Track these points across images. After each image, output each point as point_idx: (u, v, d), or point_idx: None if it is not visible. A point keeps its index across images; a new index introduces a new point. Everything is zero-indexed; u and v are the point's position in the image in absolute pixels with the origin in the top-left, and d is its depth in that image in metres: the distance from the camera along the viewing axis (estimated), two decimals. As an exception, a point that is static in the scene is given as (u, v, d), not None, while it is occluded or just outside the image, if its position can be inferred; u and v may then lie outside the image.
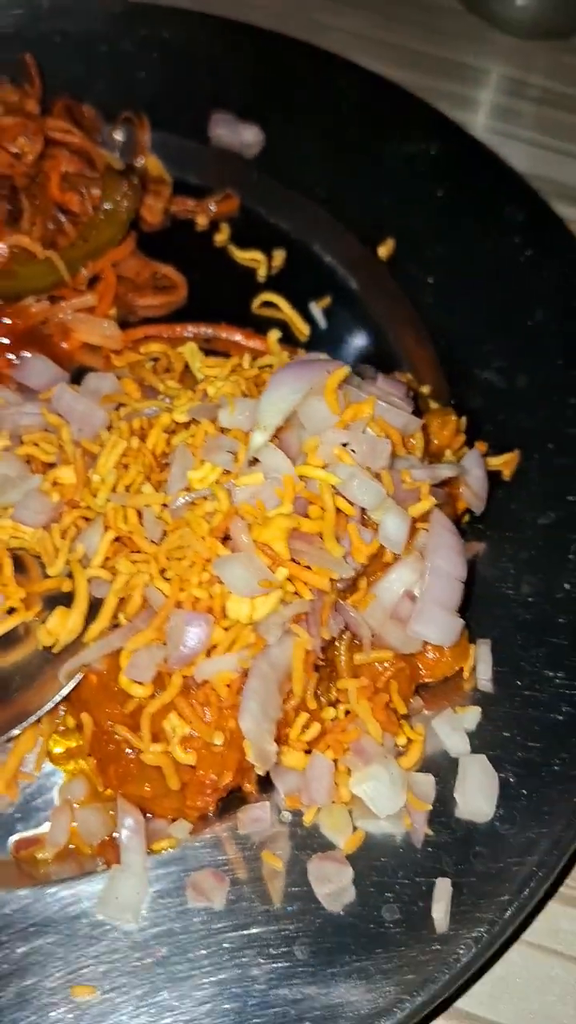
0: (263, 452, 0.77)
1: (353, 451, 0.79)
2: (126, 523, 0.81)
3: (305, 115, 1.24)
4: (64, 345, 1.05)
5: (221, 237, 1.19)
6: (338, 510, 0.77)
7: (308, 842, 0.77)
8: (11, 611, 0.85)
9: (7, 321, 1.00)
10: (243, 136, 1.23)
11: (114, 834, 0.77)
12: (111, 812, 0.78)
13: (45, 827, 0.80)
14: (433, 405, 0.97)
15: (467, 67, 1.53)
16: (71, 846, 0.78)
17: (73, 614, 0.81)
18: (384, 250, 1.15)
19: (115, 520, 0.82)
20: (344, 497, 0.77)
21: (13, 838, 0.79)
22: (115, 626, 0.80)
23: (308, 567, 0.74)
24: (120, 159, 1.22)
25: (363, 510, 0.78)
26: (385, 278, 1.14)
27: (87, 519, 0.86)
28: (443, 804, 0.78)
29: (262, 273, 1.16)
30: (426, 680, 0.83)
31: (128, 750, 0.76)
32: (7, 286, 0.99)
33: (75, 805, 0.79)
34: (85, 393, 0.93)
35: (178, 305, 1.12)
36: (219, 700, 0.74)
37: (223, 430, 0.83)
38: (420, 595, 0.77)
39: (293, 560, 0.75)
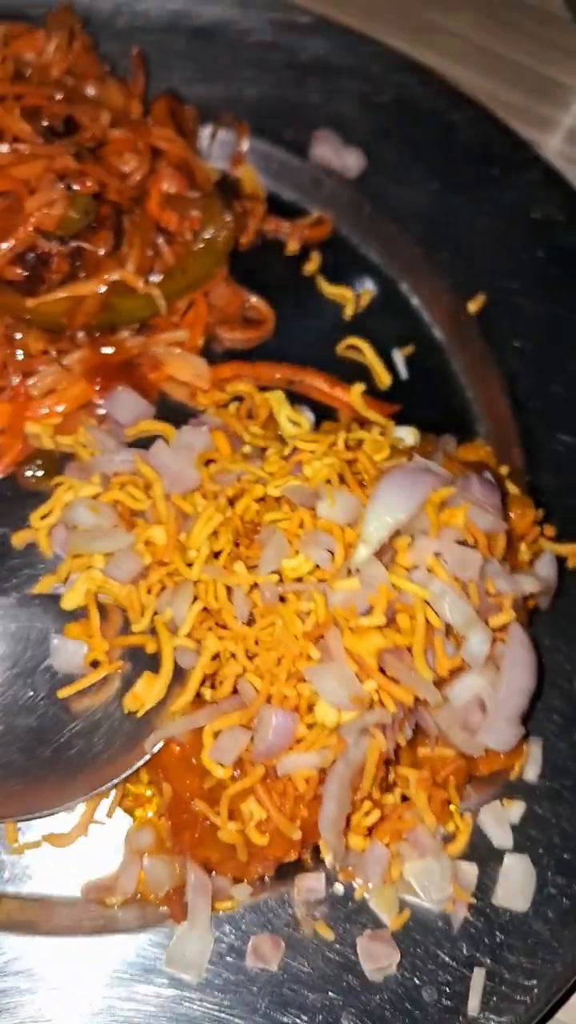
0: (364, 563, 0.79)
1: (445, 560, 0.82)
2: (216, 599, 0.84)
3: (413, 145, 1.21)
4: (151, 376, 1.05)
5: (311, 266, 1.18)
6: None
7: (357, 915, 0.83)
8: (95, 663, 0.89)
9: (104, 352, 1.00)
10: (345, 159, 1.20)
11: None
12: (176, 865, 0.84)
13: (114, 866, 0.86)
14: (512, 489, 0.99)
15: (564, 87, 1.48)
16: (137, 895, 0.84)
17: (159, 682, 0.84)
18: (474, 305, 1.14)
19: (206, 594, 0.85)
20: (434, 610, 0.80)
21: (84, 881, 0.85)
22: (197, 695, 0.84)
23: (395, 678, 0.78)
24: (214, 166, 1.19)
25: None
26: (472, 333, 1.14)
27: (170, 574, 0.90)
28: (481, 891, 0.85)
29: (349, 312, 1.16)
30: (478, 774, 0.89)
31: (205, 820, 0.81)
32: (104, 318, 0.99)
33: (144, 855, 0.85)
34: (178, 448, 0.94)
35: (263, 339, 1.12)
36: (295, 791, 0.79)
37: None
38: (492, 709, 0.82)
39: (381, 670, 0.79)
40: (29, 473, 0.99)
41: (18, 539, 0.97)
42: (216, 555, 0.87)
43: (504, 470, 1.02)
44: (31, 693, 0.88)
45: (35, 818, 0.84)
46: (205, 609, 0.86)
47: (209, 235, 1.06)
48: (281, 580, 0.84)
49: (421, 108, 1.22)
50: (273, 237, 1.20)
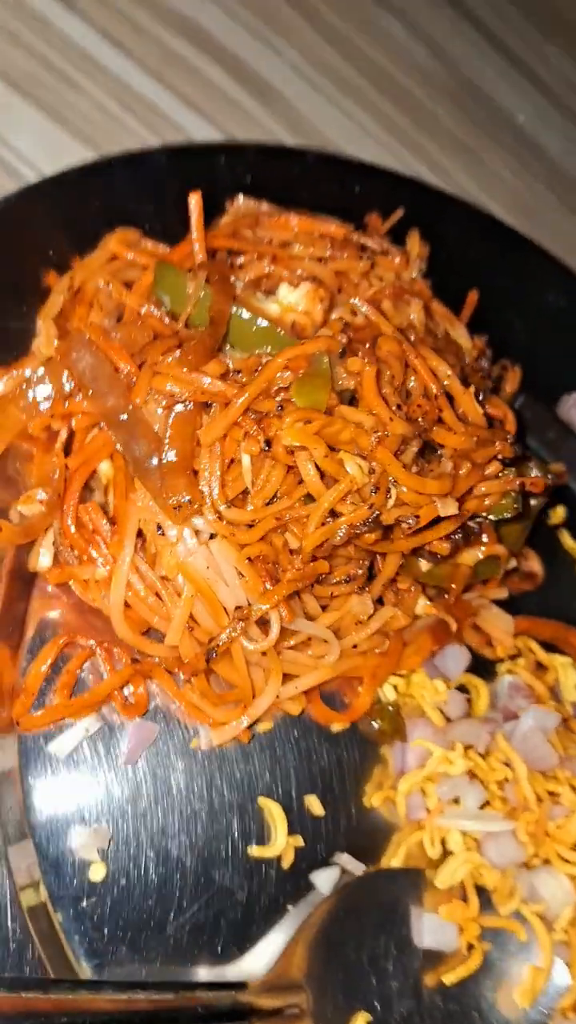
0: None
1: None
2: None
3: None
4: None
5: (556, 519, 1.27)
6: None
7: None
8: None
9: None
10: (589, 422, 1.31)
11: None
12: None
13: None
14: None
15: None
16: None
17: (543, 975, 0.90)
18: None
19: (580, 888, 0.92)
20: None
21: None
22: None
23: None
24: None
25: None
26: None
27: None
28: None
29: (581, 569, 1.27)
30: None
31: None
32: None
33: None
34: (534, 730, 1.00)
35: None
36: None
37: None
38: None
39: None
40: (375, 725, 0.99)
41: (377, 799, 0.97)
42: None
43: None
44: (404, 976, 0.89)
45: None
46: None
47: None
48: None
49: None
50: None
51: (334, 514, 0.81)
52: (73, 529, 0.84)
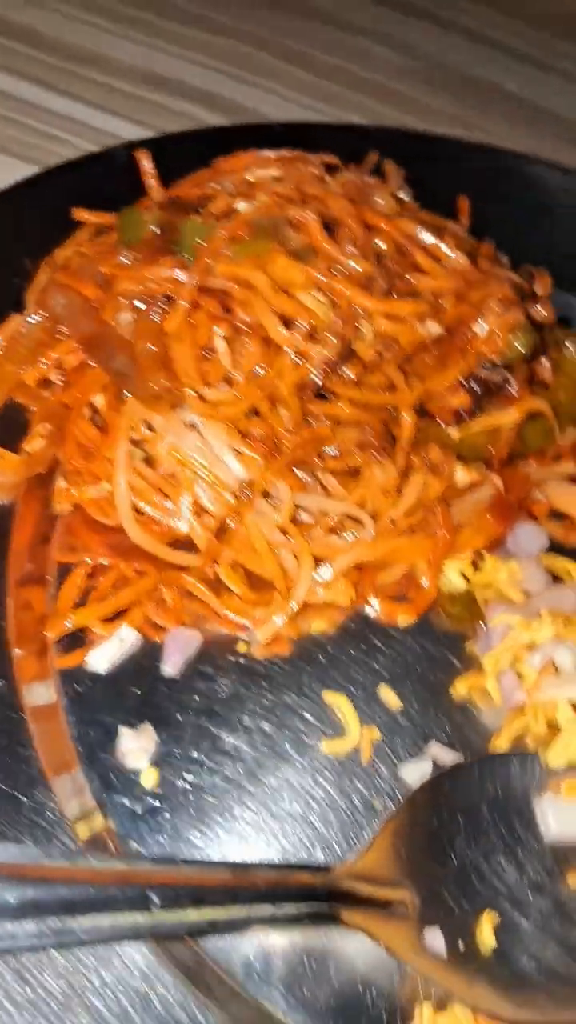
0: None
1: None
2: None
3: None
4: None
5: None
6: None
7: None
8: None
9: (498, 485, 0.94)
10: None
11: None
12: None
13: None
14: None
15: None
16: None
17: None
18: None
19: None
20: None
21: None
22: None
23: None
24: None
25: None
26: None
27: None
28: None
29: None
30: None
31: None
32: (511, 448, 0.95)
33: None
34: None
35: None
36: None
37: None
38: None
39: None
40: (448, 613, 0.90)
41: (463, 687, 0.87)
42: None
43: None
44: (532, 871, 0.76)
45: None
46: None
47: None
48: None
49: None
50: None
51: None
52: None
